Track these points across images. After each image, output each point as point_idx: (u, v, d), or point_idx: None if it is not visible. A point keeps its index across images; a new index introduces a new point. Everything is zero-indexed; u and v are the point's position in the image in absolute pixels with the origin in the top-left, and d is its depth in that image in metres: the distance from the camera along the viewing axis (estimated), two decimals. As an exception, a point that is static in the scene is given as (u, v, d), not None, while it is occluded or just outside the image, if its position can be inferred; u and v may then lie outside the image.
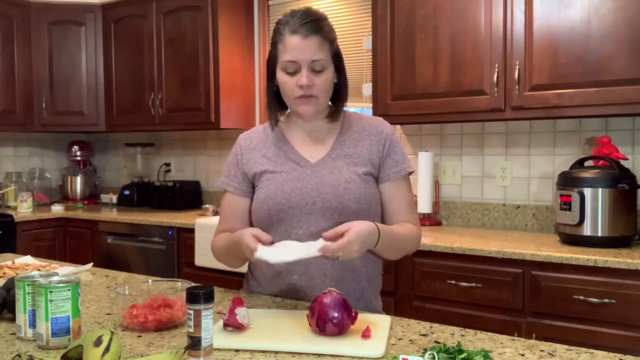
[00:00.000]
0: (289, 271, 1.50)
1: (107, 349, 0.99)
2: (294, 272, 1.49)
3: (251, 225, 1.59)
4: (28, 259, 2.05)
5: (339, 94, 1.55)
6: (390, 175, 1.54)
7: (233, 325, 1.22)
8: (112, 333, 1.03)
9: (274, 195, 1.48)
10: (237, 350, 1.14)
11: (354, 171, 1.50)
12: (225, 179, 1.61)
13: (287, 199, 1.47)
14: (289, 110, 1.59)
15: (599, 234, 2.39)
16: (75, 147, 4.65)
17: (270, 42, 1.52)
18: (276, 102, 1.56)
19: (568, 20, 2.50)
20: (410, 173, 1.58)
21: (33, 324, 1.22)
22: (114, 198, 4.44)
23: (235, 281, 2.91)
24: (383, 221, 1.56)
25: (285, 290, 1.52)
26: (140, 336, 1.24)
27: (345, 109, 1.60)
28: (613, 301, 2.17)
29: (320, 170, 1.51)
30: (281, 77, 1.47)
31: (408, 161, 1.58)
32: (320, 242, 1.30)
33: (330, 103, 1.56)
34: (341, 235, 1.29)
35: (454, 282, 2.51)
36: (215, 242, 1.61)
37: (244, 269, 1.68)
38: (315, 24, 1.44)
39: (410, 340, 1.20)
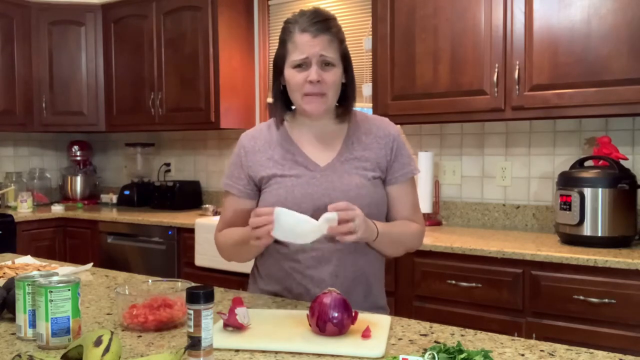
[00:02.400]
0: (301, 273, 1.49)
1: (107, 349, 0.99)
2: (305, 275, 1.48)
3: None
4: (28, 259, 2.05)
5: (347, 94, 1.54)
6: (397, 178, 1.54)
7: (233, 325, 1.22)
8: (112, 333, 1.03)
9: (285, 200, 1.46)
10: (237, 350, 1.14)
11: (363, 175, 1.50)
12: (228, 180, 1.59)
13: (298, 205, 1.45)
14: (293, 107, 1.58)
15: (599, 234, 2.39)
16: (75, 147, 4.65)
17: (278, 40, 1.52)
18: (282, 102, 1.55)
19: (568, 20, 2.50)
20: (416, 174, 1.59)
21: (33, 324, 1.22)
22: (114, 198, 4.44)
23: (235, 281, 2.91)
24: (388, 220, 1.57)
25: (297, 289, 1.51)
26: (140, 336, 1.24)
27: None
28: (613, 301, 2.17)
29: (329, 175, 1.49)
30: (290, 73, 1.47)
31: (414, 163, 1.59)
32: (327, 215, 1.30)
33: (337, 104, 1.55)
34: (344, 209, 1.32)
35: (454, 282, 2.51)
36: (222, 237, 1.59)
37: (245, 268, 1.68)
38: (325, 23, 1.46)
39: (410, 340, 1.20)
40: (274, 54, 1.54)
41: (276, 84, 1.54)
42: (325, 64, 1.45)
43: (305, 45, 1.43)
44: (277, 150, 1.55)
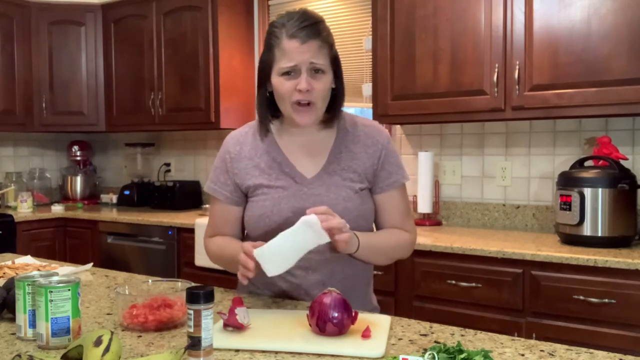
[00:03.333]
0: (289, 279, 1.48)
1: (107, 349, 0.99)
2: (293, 281, 1.48)
3: (243, 229, 1.58)
4: (28, 259, 2.05)
5: (336, 100, 1.48)
6: (383, 188, 1.51)
7: (233, 325, 1.22)
8: (112, 333, 1.03)
9: (271, 214, 1.45)
10: (237, 350, 1.14)
11: (350, 187, 1.47)
12: (214, 185, 1.56)
13: (284, 219, 1.43)
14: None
15: (599, 234, 2.39)
16: (75, 147, 4.65)
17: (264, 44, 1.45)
18: (268, 110, 1.49)
19: (568, 20, 2.50)
20: (405, 182, 1.56)
21: (33, 324, 1.22)
22: (114, 198, 4.44)
23: (235, 281, 2.89)
24: (377, 228, 1.56)
25: (286, 294, 1.51)
26: (140, 336, 1.24)
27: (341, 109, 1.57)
28: (613, 301, 2.17)
29: (316, 188, 1.46)
30: (278, 80, 1.40)
31: (403, 171, 1.54)
32: (306, 218, 1.29)
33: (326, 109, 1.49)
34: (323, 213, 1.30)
35: (454, 282, 2.51)
36: (212, 246, 1.58)
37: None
38: (313, 27, 1.39)
39: (410, 340, 1.20)
40: (260, 58, 1.47)
41: (262, 90, 1.48)
42: (315, 71, 1.39)
43: (294, 52, 1.36)
44: (263, 157, 1.50)
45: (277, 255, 1.29)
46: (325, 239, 1.28)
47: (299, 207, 1.43)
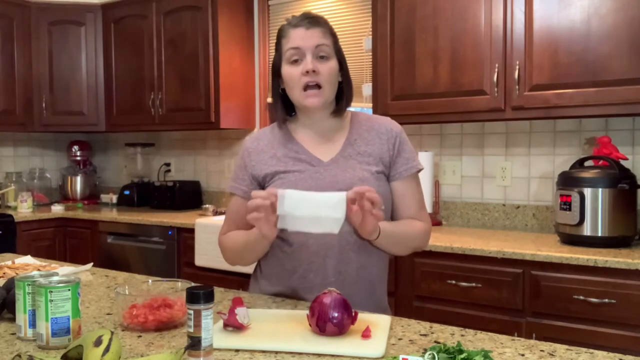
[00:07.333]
0: (304, 270, 1.49)
1: (107, 349, 0.99)
2: (310, 270, 1.49)
3: None
4: (28, 259, 2.05)
5: (343, 92, 1.55)
6: (401, 173, 1.55)
7: (233, 325, 1.22)
8: (112, 333, 1.03)
9: None
10: (237, 350, 1.14)
11: (367, 170, 1.51)
12: (233, 182, 1.61)
13: None
14: (294, 113, 1.60)
15: (599, 234, 2.39)
16: (75, 147, 4.65)
17: (273, 45, 1.56)
18: (282, 104, 1.57)
19: (568, 20, 2.50)
20: (420, 170, 1.59)
21: (33, 324, 1.22)
22: (114, 198, 4.44)
23: (236, 281, 2.90)
24: (393, 218, 1.58)
25: (301, 288, 1.51)
26: (140, 336, 1.24)
27: (350, 109, 1.61)
28: (613, 301, 2.17)
29: (333, 169, 1.51)
30: (286, 70, 1.49)
31: (417, 159, 1.60)
32: (343, 195, 1.29)
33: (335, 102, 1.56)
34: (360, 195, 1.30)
35: (454, 282, 2.51)
36: (226, 239, 1.59)
37: (245, 269, 1.68)
38: (316, 19, 1.50)
39: (410, 340, 1.20)
40: (273, 58, 1.57)
41: (275, 86, 1.56)
42: (320, 57, 1.47)
43: (299, 38, 1.47)
44: (279, 149, 1.56)
45: (296, 201, 1.29)
46: (341, 213, 1.28)
47: (315, 186, 1.46)
